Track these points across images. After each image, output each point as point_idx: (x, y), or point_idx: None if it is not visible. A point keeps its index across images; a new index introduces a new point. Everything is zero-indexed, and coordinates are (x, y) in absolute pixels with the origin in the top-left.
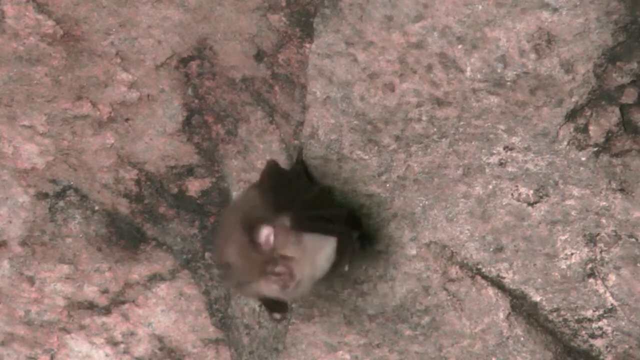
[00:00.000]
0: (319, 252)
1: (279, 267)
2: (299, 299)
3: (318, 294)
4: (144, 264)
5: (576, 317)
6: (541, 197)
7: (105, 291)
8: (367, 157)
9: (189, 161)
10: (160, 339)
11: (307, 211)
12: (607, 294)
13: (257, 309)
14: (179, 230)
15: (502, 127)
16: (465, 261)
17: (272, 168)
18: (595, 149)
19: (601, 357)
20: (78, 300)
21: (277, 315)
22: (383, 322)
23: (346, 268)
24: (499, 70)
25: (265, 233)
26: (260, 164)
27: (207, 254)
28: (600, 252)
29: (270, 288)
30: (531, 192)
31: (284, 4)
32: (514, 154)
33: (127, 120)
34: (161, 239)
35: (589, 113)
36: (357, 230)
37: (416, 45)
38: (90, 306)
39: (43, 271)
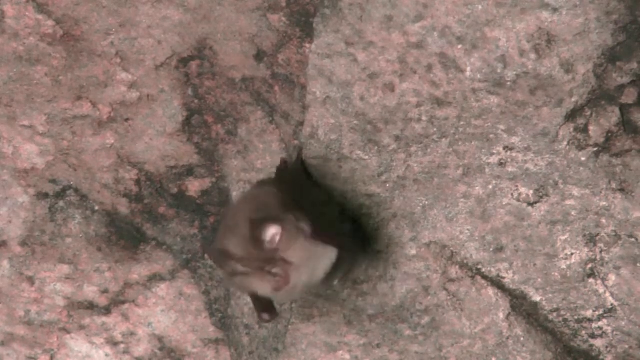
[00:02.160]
0: (319, 261)
1: (277, 269)
2: (289, 302)
3: (318, 294)
4: (144, 264)
5: (576, 317)
6: (541, 197)
7: (105, 291)
8: (367, 157)
9: (189, 161)
10: (160, 339)
11: (319, 220)
12: (607, 294)
13: None
14: (179, 230)
15: (502, 127)
16: (465, 261)
17: (285, 167)
18: (595, 149)
19: (601, 357)
20: (78, 300)
21: (266, 316)
22: (383, 322)
23: (335, 282)
24: (499, 70)
25: (273, 232)
26: (260, 164)
27: (207, 254)
28: (600, 252)
29: (262, 285)
30: (531, 192)
31: (284, 4)
32: (514, 154)
33: (127, 120)
34: (161, 239)
35: (589, 113)
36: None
37: (416, 45)
38: (90, 306)
39: (43, 271)
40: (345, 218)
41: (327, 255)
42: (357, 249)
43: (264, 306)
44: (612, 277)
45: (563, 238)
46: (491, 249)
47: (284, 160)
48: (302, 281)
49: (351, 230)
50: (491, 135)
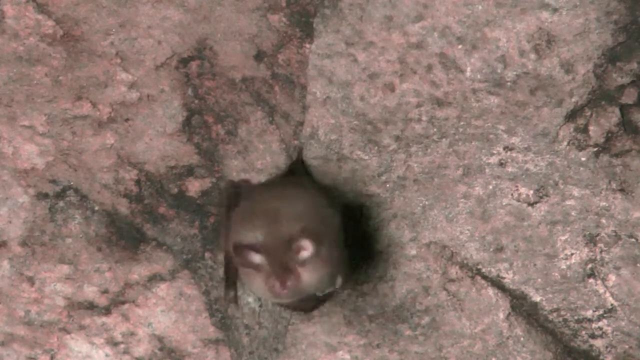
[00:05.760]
0: (323, 284)
1: (290, 282)
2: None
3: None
4: (144, 264)
5: (576, 317)
6: (541, 197)
7: (105, 291)
8: (367, 157)
9: (189, 161)
10: (160, 339)
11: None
12: (607, 294)
13: (257, 309)
14: (179, 230)
15: (502, 127)
16: (465, 261)
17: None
18: (595, 149)
19: (601, 357)
20: (78, 300)
21: (231, 294)
22: (383, 322)
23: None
24: (499, 71)
25: (306, 246)
26: (261, 164)
27: (207, 254)
28: (600, 252)
29: (260, 281)
30: (531, 192)
31: (284, 4)
32: (514, 154)
33: (127, 120)
34: (161, 239)
35: (589, 113)
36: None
37: (416, 45)
38: (90, 306)
39: (43, 271)
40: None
41: (332, 282)
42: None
43: (233, 289)
44: (612, 277)
45: (563, 238)
46: (491, 249)
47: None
48: (297, 297)
49: (351, 231)
50: (491, 135)
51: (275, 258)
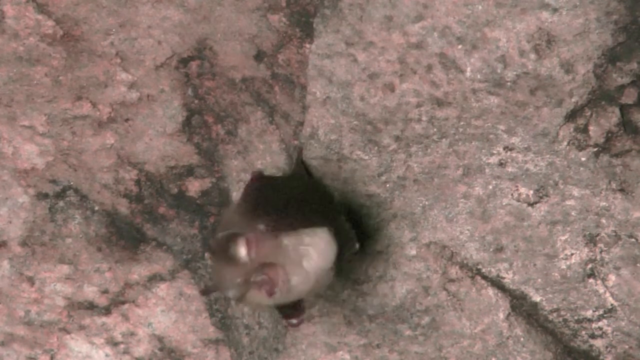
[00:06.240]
0: (310, 248)
1: (259, 277)
2: (307, 297)
3: (318, 294)
4: (144, 264)
5: (576, 317)
6: (541, 197)
7: (105, 291)
8: (367, 157)
9: (189, 161)
10: (160, 339)
11: (290, 208)
12: (607, 294)
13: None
14: (179, 230)
15: (502, 127)
16: (465, 261)
17: (256, 179)
18: (595, 149)
19: (601, 357)
20: (78, 300)
21: (294, 321)
22: (383, 322)
23: (357, 246)
24: (499, 71)
25: (240, 246)
26: (261, 164)
27: (207, 254)
28: (600, 252)
29: (261, 296)
30: (531, 192)
31: (284, 4)
32: (514, 154)
33: (127, 120)
34: (161, 239)
35: (589, 113)
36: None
37: (416, 45)
38: (90, 306)
39: (43, 271)
40: (346, 218)
41: (319, 238)
42: (342, 219)
43: (288, 312)
44: (612, 277)
45: (563, 238)
46: (491, 249)
47: (257, 173)
48: (295, 276)
49: (350, 229)
50: (491, 135)
51: (238, 276)
